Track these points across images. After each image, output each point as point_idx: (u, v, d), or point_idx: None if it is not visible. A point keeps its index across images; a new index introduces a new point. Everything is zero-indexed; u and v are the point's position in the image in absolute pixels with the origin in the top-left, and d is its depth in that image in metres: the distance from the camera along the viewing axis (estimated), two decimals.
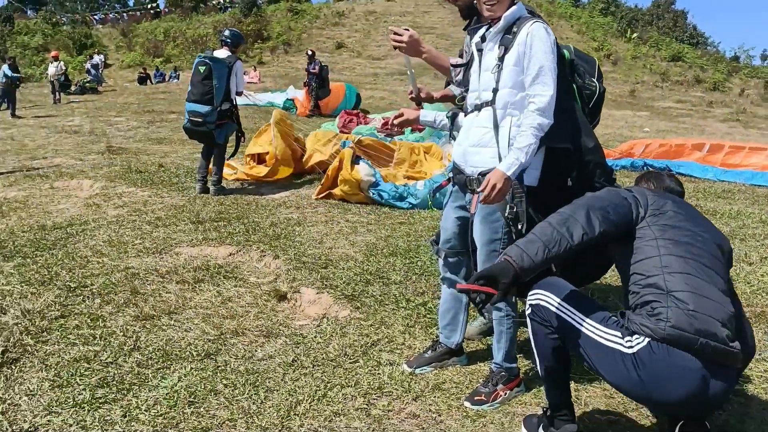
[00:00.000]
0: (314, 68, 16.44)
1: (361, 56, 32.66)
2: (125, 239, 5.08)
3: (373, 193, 6.46)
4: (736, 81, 31.54)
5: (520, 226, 2.50)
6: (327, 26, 38.91)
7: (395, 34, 3.01)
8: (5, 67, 16.91)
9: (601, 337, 2.10)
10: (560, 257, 2.09)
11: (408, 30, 3.01)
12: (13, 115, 15.92)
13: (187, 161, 8.75)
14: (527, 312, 2.30)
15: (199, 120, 6.74)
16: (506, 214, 2.52)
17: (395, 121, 3.19)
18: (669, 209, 2.25)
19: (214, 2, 47.48)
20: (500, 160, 2.53)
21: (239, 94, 7.11)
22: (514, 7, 2.60)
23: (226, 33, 7.26)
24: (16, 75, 17.21)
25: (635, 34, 38.18)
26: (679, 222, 2.21)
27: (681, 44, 38.88)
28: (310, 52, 18.66)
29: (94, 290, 3.97)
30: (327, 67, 17.38)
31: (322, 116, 15.56)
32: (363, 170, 6.53)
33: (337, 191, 6.58)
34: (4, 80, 16.63)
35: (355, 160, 6.66)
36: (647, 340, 2.00)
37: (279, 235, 5.27)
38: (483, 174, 2.57)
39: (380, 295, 3.99)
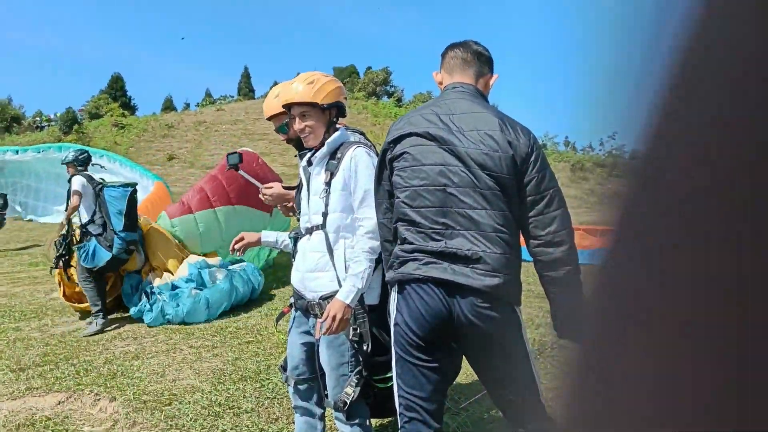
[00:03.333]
0: None
1: (194, 166, 32.25)
2: None
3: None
4: None
5: (365, 347, 2.50)
6: (156, 138, 38.15)
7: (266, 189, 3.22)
8: None
9: None
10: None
11: (271, 188, 3.21)
12: None
13: (3, 299, 7.92)
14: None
15: (134, 248, 6.59)
16: (351, 337, 2.50)
17: (236, 246, 3.08)
18: None
19: (29, 121, 44.93)
20: (339, 282, 2.53)
21: None
22: (336, 133, 2.67)
23: (74, 155, 6.66)
24: None
25: None
26: None
27: None
28: None
29: None
30: (6, 195, 14.70)
31: None
32: None
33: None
34: None
35: None
36: None
37: (115, 373, 4.85)
38: (324, 298, 2.56)
39: (231, 429, 3.75)
